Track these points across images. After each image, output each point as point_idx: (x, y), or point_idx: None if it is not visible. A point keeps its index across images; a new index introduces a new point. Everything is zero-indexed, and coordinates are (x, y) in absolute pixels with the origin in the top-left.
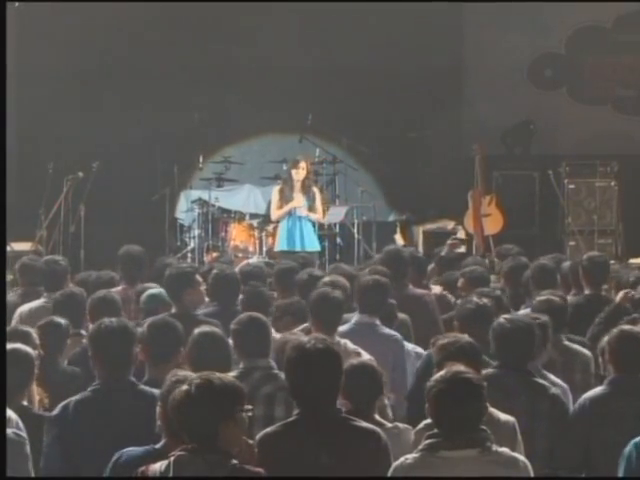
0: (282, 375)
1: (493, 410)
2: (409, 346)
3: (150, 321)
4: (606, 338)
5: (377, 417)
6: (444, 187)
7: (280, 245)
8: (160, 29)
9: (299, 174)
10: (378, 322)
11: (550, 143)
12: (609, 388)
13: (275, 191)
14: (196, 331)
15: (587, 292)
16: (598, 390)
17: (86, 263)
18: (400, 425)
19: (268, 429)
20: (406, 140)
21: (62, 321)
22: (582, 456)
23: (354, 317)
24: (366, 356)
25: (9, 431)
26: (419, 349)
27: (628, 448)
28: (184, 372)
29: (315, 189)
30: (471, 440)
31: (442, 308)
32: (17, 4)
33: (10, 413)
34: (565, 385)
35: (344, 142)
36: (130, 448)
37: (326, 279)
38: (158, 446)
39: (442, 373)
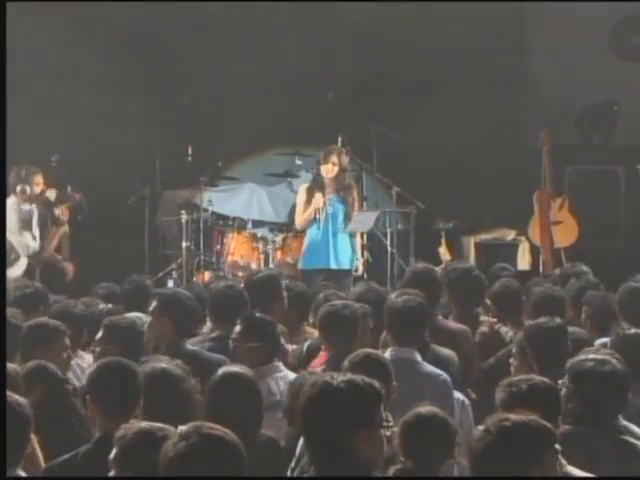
0: None
1: (573, 469)
2: (456, 394)
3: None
4: None
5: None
6: (502, 187)
7: (304, 262)
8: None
9: (330, 170)
10: (419, 357)
11: (639, 129)
12: None
13: (301, 191)
14: (220, 372)
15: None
16: None
17: None
18: None
19: None
20: (453, 128)
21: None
22: None
23: (387, 350)
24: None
25: None
26: (466, 400)
27: None
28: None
29: (353, 190)
30: None
31: (492, 347)
32: None
33: None
34: None
35: (373, 128)
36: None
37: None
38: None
39: (488, 422)
